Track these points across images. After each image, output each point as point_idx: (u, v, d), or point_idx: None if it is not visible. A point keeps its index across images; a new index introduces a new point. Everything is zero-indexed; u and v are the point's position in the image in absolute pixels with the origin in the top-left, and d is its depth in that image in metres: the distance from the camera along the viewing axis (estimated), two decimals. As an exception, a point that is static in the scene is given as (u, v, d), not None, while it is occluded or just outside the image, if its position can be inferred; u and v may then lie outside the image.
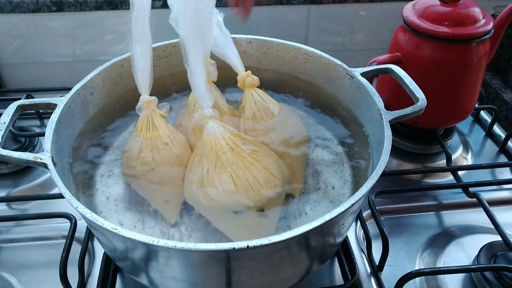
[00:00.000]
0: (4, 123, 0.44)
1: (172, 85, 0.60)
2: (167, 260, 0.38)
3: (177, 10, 0.45)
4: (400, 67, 0.53)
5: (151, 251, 0.37)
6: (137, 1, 0.47)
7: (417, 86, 0.50)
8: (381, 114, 0.47)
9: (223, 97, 0.55)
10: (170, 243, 0.34)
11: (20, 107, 0.47)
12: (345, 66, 0.55)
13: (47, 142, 0.43)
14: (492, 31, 0.60)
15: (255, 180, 0.45)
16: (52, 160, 0.41)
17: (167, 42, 0.60)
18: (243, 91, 0.55)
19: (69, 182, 0.47)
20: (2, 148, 0.42)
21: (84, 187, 0.49)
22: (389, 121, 0.46)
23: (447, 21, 0.59)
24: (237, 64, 0.55)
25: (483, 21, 0.59)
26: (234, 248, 0.34)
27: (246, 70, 0.55)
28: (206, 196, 0.45)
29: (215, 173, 0.46)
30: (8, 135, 0.44)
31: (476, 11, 0.59)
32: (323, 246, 0.44)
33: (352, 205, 0.38)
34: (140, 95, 0.50)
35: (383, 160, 0.41)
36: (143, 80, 0.50)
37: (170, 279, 0.41)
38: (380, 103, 0.49)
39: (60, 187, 0.39)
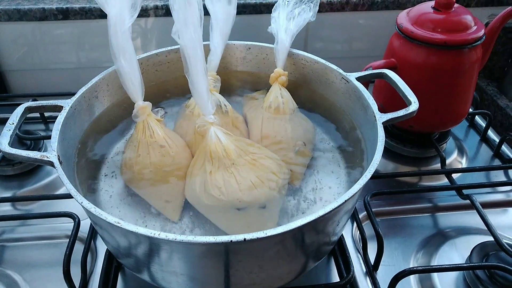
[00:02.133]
0: (13, 123, 0.46)
1: (174, 89, 0.63)
2: (168, 254, 0.39)
3: (179, 23, 0.46)
4: (395, 72, 0.55)
5: (152, 245, 0.39)
6: (112, 15, 0.48)
7: (410, 90, 0.52)
8: (375, 116, 0.49)
9: (226, 101, 0.57)
10: (171, 236, 0.35)
11: (27, 109, 0.49)
12: (340, 71, 0.57)
13: (53, 142, 0.45)
14: (484, 37, 0.61)
15: (257, 179, 0.47)
16: (58, 159, 0.43)
17: (169, 48, 0.62)
18: (272, 85, 0.59)
19: (73, 181, 0.48)
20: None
21: (88, 186, 0.50)
22: (382, 123, 0.48)
23: (440, 28, 0.60)
24: (281, 60, 0.59)
25: (474, 28, 0.61)
26: (231, 240, 0.35)
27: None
28: (209, 196, 0.47)
29: (218, 175, 0.47)
30: (14, 138, 0.46)
31: (468, 18, 0.61)
32: (318, 243, 0.45)
33: (346, 201, 0.39)
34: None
35: (375, 159, 0.43)
36: (134, 89, 0.51)
37: (170, 274, 0.42)
38: (374, 106, 0.50)
39: (66, 184, 0.40)
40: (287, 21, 0.59)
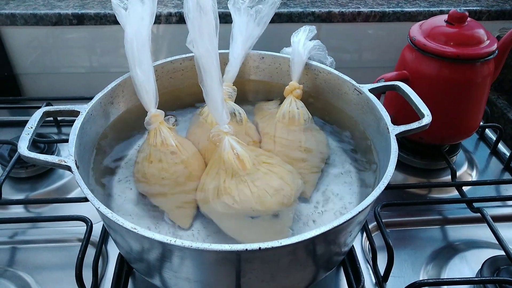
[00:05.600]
0: (31, 127, 0.47)
1: (187, 96, 0.63)
2: (182, 260, 0.40)
3: (194, 33, 0.47)
4: (407, 84, 0.56)
5: (167, 251, 0.39)
6: (129, 32, 0.48)
7: (423, 103, 0.52)
8: (388, 128, 0.49)
9: (241, 110, 0.58)
10: (186, 243, 0.36)
11: (45, 113, 0.49)
12: (353, 82, 0.57)
13: (70, 146, 0.46)
14: (496, 51, 0.62)
15: (270, 187, 0.47)
16: (76, 164, 0.44)
17: (183, 55, 0.63)
18: (286, 97, 0.59)
19: (89, 185, 0.49)
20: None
21: (102, 190, 0.51)
22: (395, 135, 0.48)
23: (453, 41, 0.61)
24: (297, 73, 0.59)
25: (487, 42, 0.61)
26: (246, 249, 0.36)
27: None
28: (222, 204, 0.47)
29: (231, 183, 0.47)
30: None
31: (481, 32, 0.62)
32: (331, 253, 0.45)
33: (359, 212, 0.39)
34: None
35: (389, 172, 0.43)
36: (148, 97, 0.51)
37: (184, 280, 0.42)
38: (387, 118, 0.51)
39: (83, 189, 0.41)
40: (306, 39, 0.60)
